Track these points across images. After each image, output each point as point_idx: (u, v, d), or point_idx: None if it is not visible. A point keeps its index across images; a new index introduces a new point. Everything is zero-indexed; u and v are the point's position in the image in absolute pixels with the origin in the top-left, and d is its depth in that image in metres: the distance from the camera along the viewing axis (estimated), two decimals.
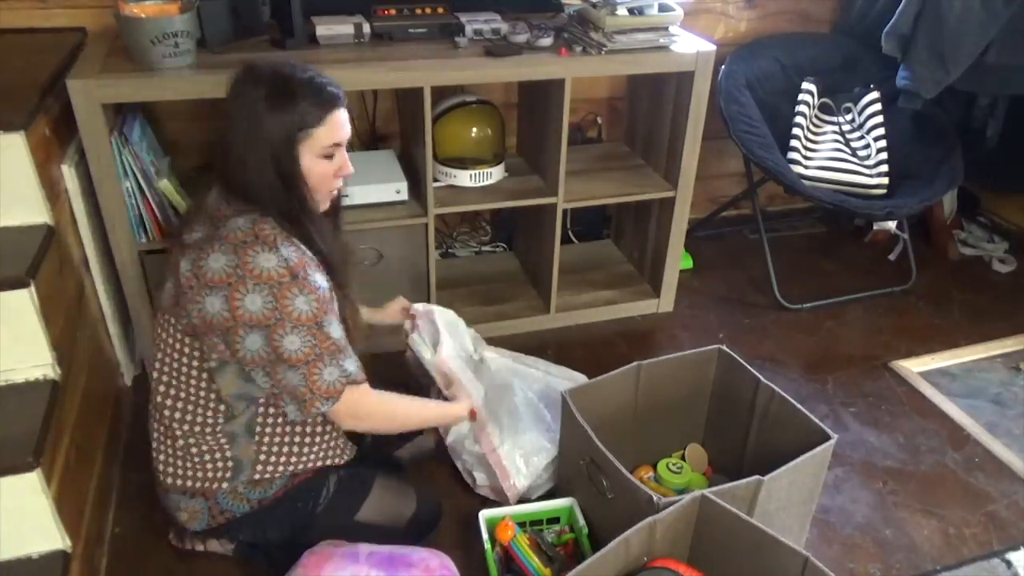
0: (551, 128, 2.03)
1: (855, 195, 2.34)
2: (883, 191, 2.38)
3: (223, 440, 1.38)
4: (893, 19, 2.23)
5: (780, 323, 2.38)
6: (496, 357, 1.82)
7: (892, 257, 2.76)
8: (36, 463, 1.24)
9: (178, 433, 1.37)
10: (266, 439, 1.40)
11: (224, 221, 1.27)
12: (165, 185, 1.76)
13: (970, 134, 2.54)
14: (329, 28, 1.92)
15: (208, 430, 1.37)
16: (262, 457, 1.40)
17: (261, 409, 1.38)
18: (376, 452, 1.67)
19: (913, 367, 2.21)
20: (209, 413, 1.36)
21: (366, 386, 1.38)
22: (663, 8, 2.01)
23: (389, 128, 2.31)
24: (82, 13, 1.93)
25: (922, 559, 1.64)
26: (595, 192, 2.21)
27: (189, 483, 1.40)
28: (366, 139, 2.29)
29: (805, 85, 2.42)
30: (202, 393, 1.35)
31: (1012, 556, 1.64)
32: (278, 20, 1.89)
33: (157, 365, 1.37)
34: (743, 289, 2.55)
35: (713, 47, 2.02)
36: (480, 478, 1.68)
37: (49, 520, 1.30)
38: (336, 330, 1.32)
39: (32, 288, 1.34)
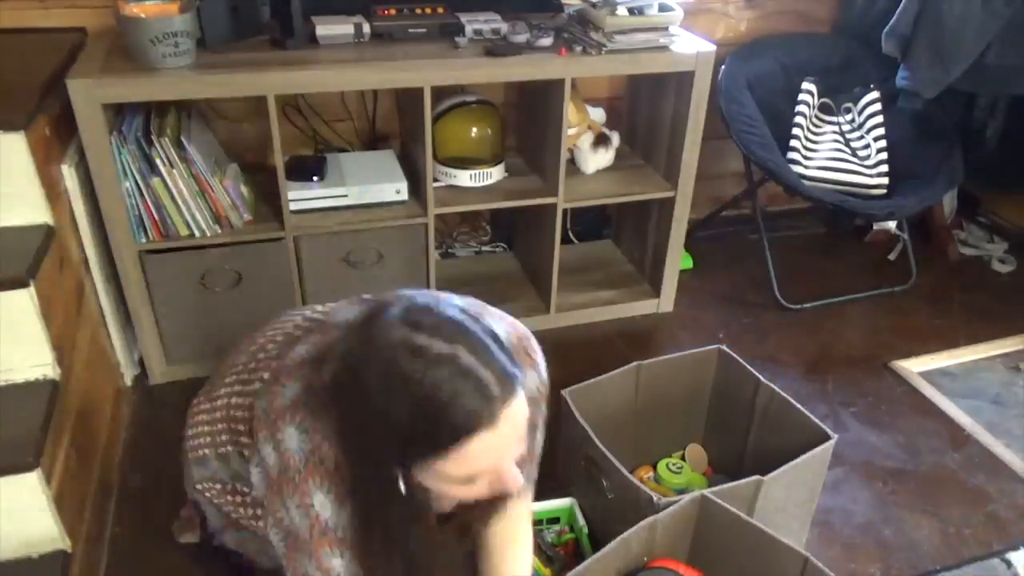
0: (551, 128, 2.03)
1: (855, 195, 2.34)
2: (883, 191, 2.37)
3: (225, 447, 1.23)
4: (893, 19, 2.23)
5: (780, 323, 2.38)
6: None
7: (892, 257, 2.76)
8: (36, 463, 1.24)
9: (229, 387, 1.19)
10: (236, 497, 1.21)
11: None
12: (157, 183, 1.76)
13: (970, 134, 2.54)
14: (329, 28, 1.92)
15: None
16: (216, 488, 1.22)
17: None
18: None
19: (913, 367, 2.21)
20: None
21: None
22: (663, 8, 2.01)
23: (389, 128, 2.31)
24: (82, 13, 1.93)
25: (922, 559, 1.64)
26: (595, 192, 2.21)
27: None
28: (366, 139, 2.29)
29: (805, 85, 2.42)
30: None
31: (1012, 556, 1.64)
32: (278, 20, 1.89)
33: None
34: (743, 289, 2.55)
35: (713, 47, 2.02)
36: None
37: (49, 520, 1.30)
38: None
39: (32, 288, 1.34)
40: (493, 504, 1.04)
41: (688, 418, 1.78)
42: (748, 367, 1.63)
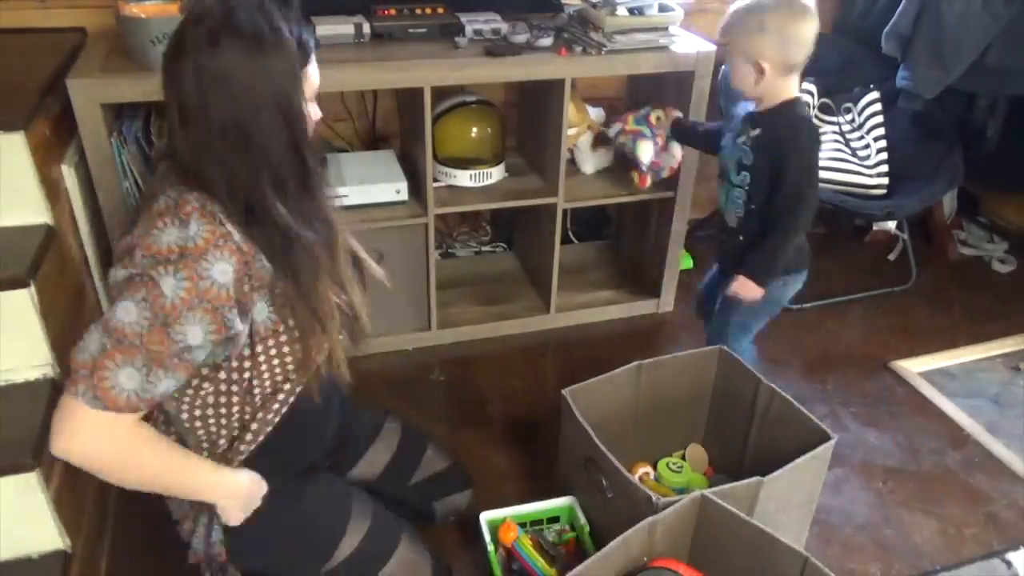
0: (551, 128, 2.03)
1: (855, 195, 2.35)
2: (883, 191, 2.38)
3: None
4: (893, 19, 2.23)
5: (780, 323, 2.37)
6: None
7: (892, 257, 2.76)
8: (36, 463, 1.24)
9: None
10: (200, 423, 1.20)
11: (153, 202, 1.07)
12: None
13: (970, 134, 2.54)
14: (329, 28, 1.92)
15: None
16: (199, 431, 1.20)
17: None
18: (413, 496, 1.55)
19: (913, 367, 2.21)
20: None
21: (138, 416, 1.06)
22: (663, 8, 2.01)
23: (389, 128, 2.31)
24: (82, 13, 1.93)
25: (922, 559, 1.64)
26: (595, 192, 2.21)
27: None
28: (366, 139, 2.29)
29: (805, 85, 2.42)
30: None
31: (1012, 556, 1.64)
32: None
33: None
34: None
35: (713, 47, 2.02)
36: None
37: (49, 520, 1.30)
38: (193, 338, 1.03)
39: (32, 288, 1.34)
40: None
41: (689, 418, 1.78)
42: (749, 367, 1.63)
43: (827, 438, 1.46)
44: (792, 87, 1.54)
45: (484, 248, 2.59)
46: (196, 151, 1.05)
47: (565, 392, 1.55)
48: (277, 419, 1.23)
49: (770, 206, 1.58)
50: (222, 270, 1.04)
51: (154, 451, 1.10)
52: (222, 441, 1.22)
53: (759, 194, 1.59)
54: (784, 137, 1.52)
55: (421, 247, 2.07)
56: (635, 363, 1.64)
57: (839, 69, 2.51)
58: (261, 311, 1.13)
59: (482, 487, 1.73)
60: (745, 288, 1.61)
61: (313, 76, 1.12)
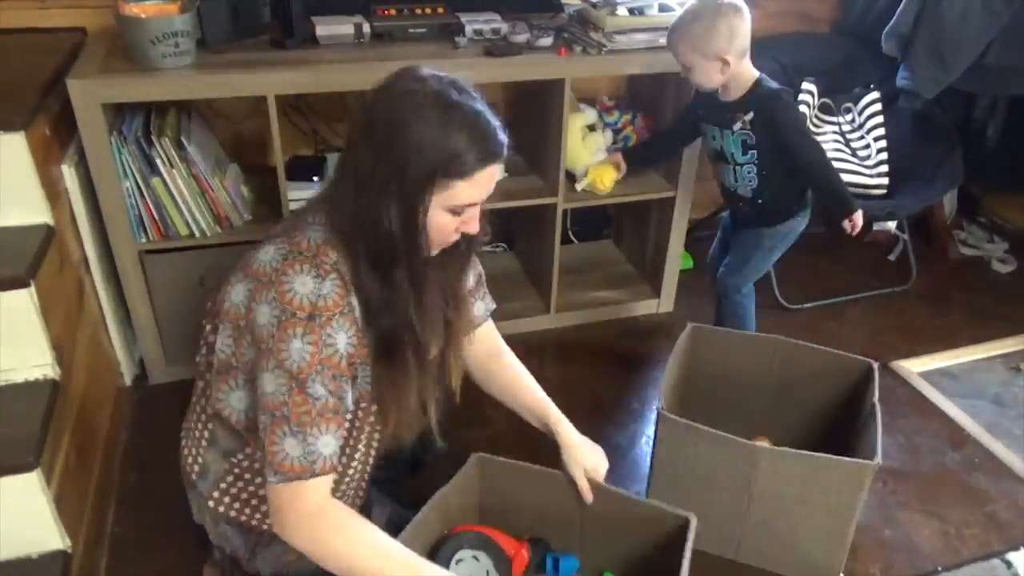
0: (551, 128, 2.03)
1: (855, 195, 2.34)
2: (883, 191, 2.37)
3: (207, 432, 1.25)
4: (893, 19, 2.23)
5: (780, 323, 2.37)
6: None
7: (892, 257, 2.76)
8: (36, 463, 1.24)
9: (199, 385, 1.26)
10: (237, 470, 1.24)
11: (301, 227, 1.11)
12: (157, 183, 1.76)
13: (970, 134, 2.54)
14: (329, 28, 1.92)
15: (203, 408, 1.25)
16: (223, 486, 1.25)
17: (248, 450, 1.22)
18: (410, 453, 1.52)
19: (913, 367, 2.21)
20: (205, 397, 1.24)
21: (327, 482, 1.10)
22: (663, 8, 2.01)
23: None
24: (82, 13, 1.93)
25: (922, 559, 1.64)
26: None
27: (184, 449, 1.30)
28: None
29: (805, 85, 2.42)
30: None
31: (1012, 556, 1.64)
32: (278, 20, 1.89)
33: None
34: None
35: None
36: None
37: (49, 520, 1.30)
38: (324, 393, 1.07)
39: (32, 288, 1.34)
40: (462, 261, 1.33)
41: (804, 412, 1.79)
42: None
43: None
44: (752, 68, 1.76)
45: (484, 248, 2.59)
46: (352, 203, 1.08)
47: (690, 326, 1.74)
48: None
49: (793, 172, 1.79)
50: (342, 338, 1.08)
51: (362, 537, 1.12)
52: None
53: (767, 160, 1.80)
54: (773, 108, 1.74)
55: None
56: (780, 337, 1.75)
57: (839, 69, 2.51)
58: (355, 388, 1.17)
59: None
60: (854, 220, 1.80)
61: (483, 188, 1.11)
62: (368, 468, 1.33)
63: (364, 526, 1.12)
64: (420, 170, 1.04)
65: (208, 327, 1.21)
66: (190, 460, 1.28)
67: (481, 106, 1.07)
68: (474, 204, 1.12)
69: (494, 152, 1.07)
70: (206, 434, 1.25)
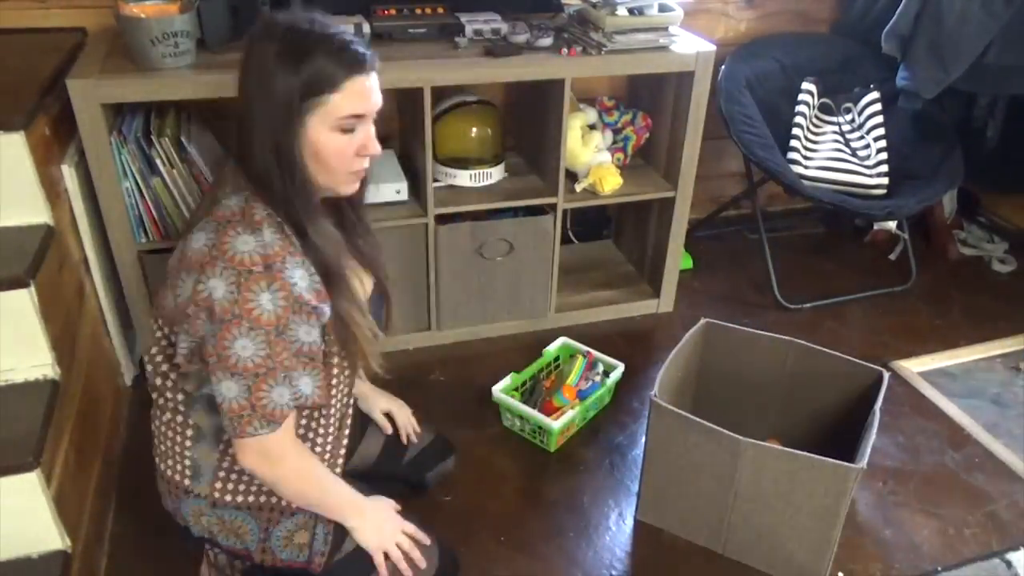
0: (551, 128, 2.03)
1: (855, 195, 2.34)
2: (883, 191, 2.37)
3: (188, 431, 1.25)
4: (893, 19, 2.23)
5: (780, 323, 2.37)
6: None
7: (892, 257, 2.76)
8: (36, 463, 1.24)
9: (159, 402, 1.26)
10: (230, 450, 1.23)
11: (222, 199, 1.14)
12: (157, 183, 1.76)
13: (970, 134, 2.54)
14: None
15: (175, 414, 1.25)
16: (221, 474, 1.25)
17: None
18: (407, 471, 1.60)
19: (913, 367, 2.21)
20: (180, 396, 1.24)
21: (295, 417, 1.19)
22: (663, 8, 2.01)
23: (389, 128, 2.31)
24: (82, 13, 1.93)
25: (922, 559, 1.64)
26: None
27: (163, 468, 1.28)
28: None
29: (805, 85, 2.42)
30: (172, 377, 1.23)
31: (1012, 556, 1.64)
32: None
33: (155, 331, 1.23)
34: (743, 289, 2.55)
35: (713, 47, 2.02)
36: None
37: (49, 520, 1.30)
38: (305, 335, 1.12)
39: (32, 288, 1.34)
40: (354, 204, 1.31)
41: (809, 414, 1.79)
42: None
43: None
44: None
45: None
46: (249, 156, 1.15)
47: (706, 320, 1.76)
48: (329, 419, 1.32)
49: None
50: (300, 275, 1.12)
51: (316, 465, 1.25)
52: None
53: None
54: None
55: (421, 247, 2.07)
56: (791, 338, 1.74)
57: (839, 69, 2.51)
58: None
59: (482, 487, 1.74)
60: None
61: (358, 98, 1.14)
62: (349, 402, 1.38)
63: (311, 458, 1.25)
64: (286, 94, 1.09)
65: (155, 349, 1.23)
66: (178, 473, 1.26)
67: (336, 29, 1.12)
68: (356, 116, 1.15)
69: (357, 61, 1.12)
70: (189, 433, 1.24)
